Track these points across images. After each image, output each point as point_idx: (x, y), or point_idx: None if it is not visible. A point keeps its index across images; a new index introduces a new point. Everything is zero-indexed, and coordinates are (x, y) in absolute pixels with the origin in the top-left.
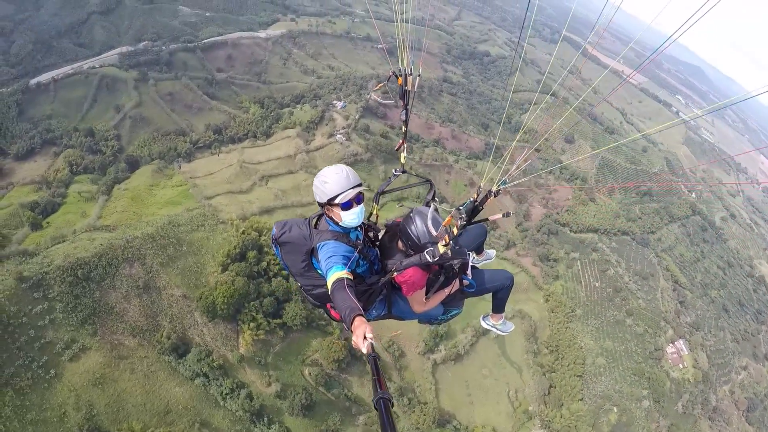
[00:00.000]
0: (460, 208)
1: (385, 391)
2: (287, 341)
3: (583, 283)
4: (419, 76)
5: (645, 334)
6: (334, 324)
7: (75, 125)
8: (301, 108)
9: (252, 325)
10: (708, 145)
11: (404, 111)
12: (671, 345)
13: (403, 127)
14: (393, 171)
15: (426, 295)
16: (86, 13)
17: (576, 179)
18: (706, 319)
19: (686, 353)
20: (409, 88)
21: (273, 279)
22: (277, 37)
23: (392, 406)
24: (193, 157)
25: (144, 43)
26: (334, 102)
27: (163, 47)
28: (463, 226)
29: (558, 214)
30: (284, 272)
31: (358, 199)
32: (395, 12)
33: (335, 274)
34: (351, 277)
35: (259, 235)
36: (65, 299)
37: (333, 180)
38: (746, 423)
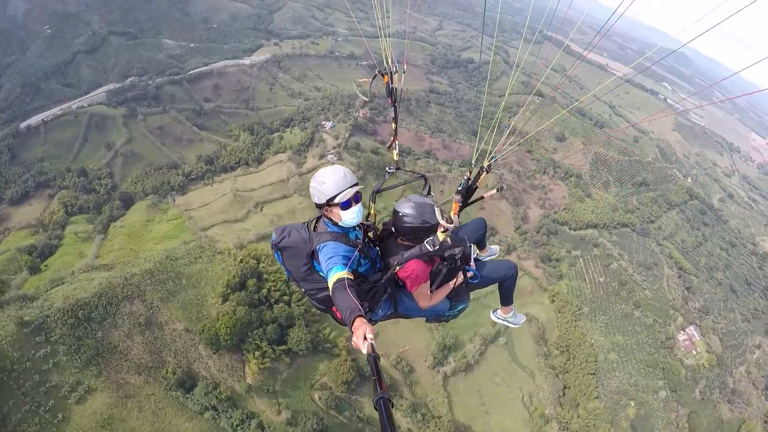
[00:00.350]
0: (459, 190)
1: (385, 391)
2: (294, 367)
3: (587, 279)
4: (404, 72)
5: (655, 325)
6: (340, 346)
7: (67, 166)
8: (291, 131)
9: (257, 353)
10: (699, 129)
11: (392, 108)
12: (682, 332)
13: (393, 125)
14: (387, 169)
15: (431, 288)
16: (72, 53)
17: (570, 176)
18: (715, 302)
19: (698, 339)
20: (395, 85)
21: (275, 305)
22: (262, 63)
23: (392, 407)
24: (187, 189)
25: (131, 79)
26: (323, 123)
27: (150, 82)
28: (461, 208)
29: (556, 213)
30: (286, 298)
31: (357, 197)
32: (374, 6)
33: (336, 274)
34: (351, 276)
35: (258, 263)
36: (68, 341)
37: (331, 180)
38: (766, 401)
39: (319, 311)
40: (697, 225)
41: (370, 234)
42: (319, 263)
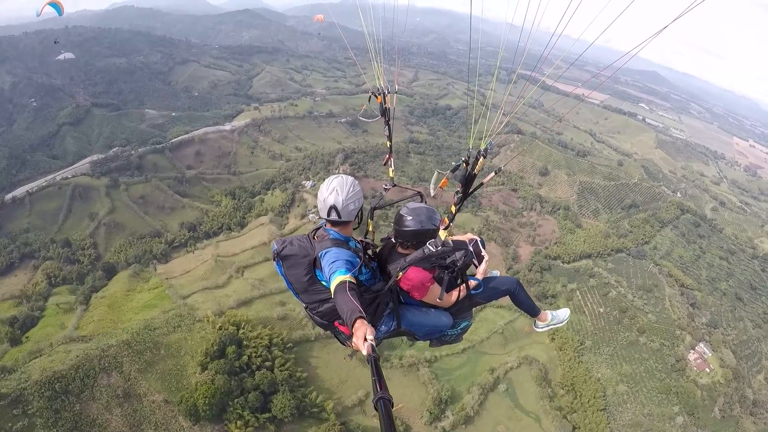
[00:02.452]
0: (456, 172)
1: (385, 392)
2: None
3: (586, 312)
4: (396, 92)
5: (662, 348)
6: (328, 409)
7: (52, 237)
8: (272, 194)
9: (239, 423)
10: (681, 143)
11: (386, 127)
12: (692, 351)
13: (388, 142)
14: (383, 186)
15: (441, 293)
16: (57, 125)
17: (558, 209)
18: (722, 313)
19: (709, 355)
20: (388, 105)
21: (256, 372)
22: (242, 128)
23: (392, 407)
24: (170, 257)
25: (114, 149)
26: (303, 183)
27: (133, 151)
28: (461, 200)
29: (547, 248)
30: (268, 363)
31: None
32: (365, 28)
33: (338, 277)
34: (354, 281)
35: (237, 329)
36: (45, 414)
37: (332, 195)
38: None
39: (321, 327)
40: (692, 238)
41: (369, 252)
42: (321, 271)
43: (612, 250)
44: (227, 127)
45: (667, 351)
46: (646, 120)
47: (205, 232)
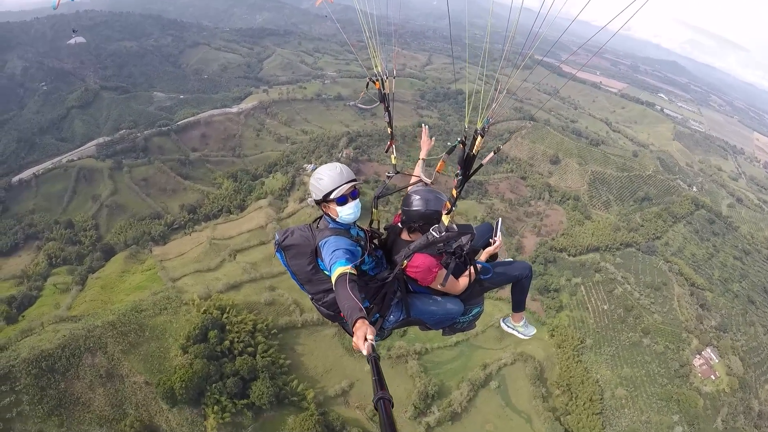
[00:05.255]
0: (454, 154)
1: (386, 392)
2: (260, 422)
3: (590, 308)
4: (394, 77)
5: (667, 352)
6: (309, 398)
7: (56, 218)
8: (273, 177)
9: (216, 408)
10: (700, 135)
11: (386, 113)
12: (698, 356)
13: (389, 129)
14: (386, 173)
15: (446, 278)
16: (66, 108)
17: (568, 199)
18: (732, 316)
19: (716, 361)
20: (387, 91)
21: (238, 358)
22: (249, 110)
23: (392, 407)
24: (168, 239)
25: (121, 132)
26: (305, 166)
27: (139, 134)
28: (462, 183)
29: (553, 239)
30: (250, 349)
31: (353, 193)
32: (358, 11)
33: (339, 269)
34: (354, 272)
35: (222, 313)
36: (31, 391)
37: (327, 176)
38: None
39: (327, 318)
40: (706, 236)
41: (375, 241)
42: (323, 260)
43: (621, 244)
44: (234, 109)
45: (671, 355)
46: (665, 111)
47: (204, 215)
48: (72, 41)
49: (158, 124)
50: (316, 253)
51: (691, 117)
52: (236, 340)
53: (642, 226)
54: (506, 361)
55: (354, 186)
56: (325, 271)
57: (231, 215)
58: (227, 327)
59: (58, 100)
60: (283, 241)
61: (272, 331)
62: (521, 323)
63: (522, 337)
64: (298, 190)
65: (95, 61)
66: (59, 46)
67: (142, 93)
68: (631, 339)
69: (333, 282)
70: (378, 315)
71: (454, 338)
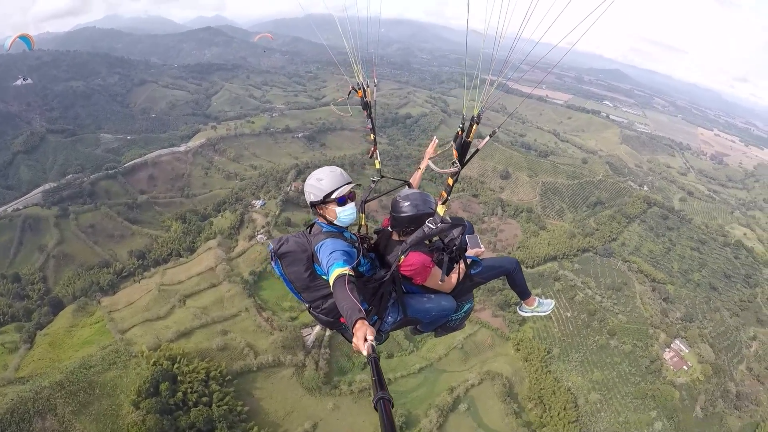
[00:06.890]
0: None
1: (386, 392)
2: None
3: (553, 318)
4: (376, 86)
5: (635, 350)
6: None
7: (3, 272)
8: (222, 215)
9: None
10: (646, 137)
11: (369, 120)
12: (667, 350)
13: (372, 135)
14: (371, 178)
15: (442, 275)
16: (11, 153)
17: (521, 212)
18: (696, 305)
19: (686, 352)
20: (368, 99)
21: (192, 409)
22: (197, 148)
23: (392, 407)
24: (118, 288)
25: (68, 176)
26: (253, 202)
27: (85, 178)
28: (458, 172)
29: (510, 253)
30: (205, 399)
31: (352, 196)
32: (340, 30)
33: (337, 270)
34: (353, 273)
35: (172, 364)
36: None
37: (328, 177)
38: None
39: (327, 326)
40: (661, 231)
41: (365, 244)
42: (320, 265)
43: (578, 250)
44: (182, 148)
45: (640, 352)
46: (610, 117)
47: (154, 260)
48: (18, 83)
49: (105, 167)
50: (312, 259)
51: (636, 120)
52: (189, 390)
53: (597, 230)
54: (473, 381)
55: (352, 188)
56: (323, 277)
57: (181, 258)
58: (179, 378)
59: (3, 145)
60: (279, 249)
61: (227, 378)
62: (535, 304)
63: (542, 314)
64: (247, 227)
65: (41, 102)
66: (5, 87)
67: (89, 135)
68: (598, 342)
69: (331, 283)
70: (376, 317)
71: (417, 364)
